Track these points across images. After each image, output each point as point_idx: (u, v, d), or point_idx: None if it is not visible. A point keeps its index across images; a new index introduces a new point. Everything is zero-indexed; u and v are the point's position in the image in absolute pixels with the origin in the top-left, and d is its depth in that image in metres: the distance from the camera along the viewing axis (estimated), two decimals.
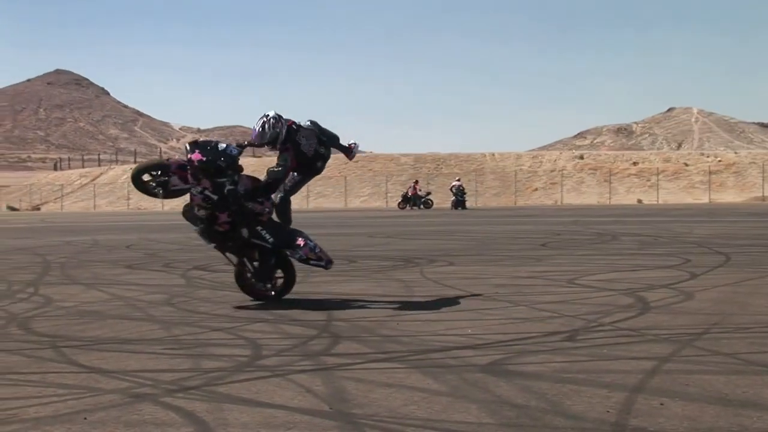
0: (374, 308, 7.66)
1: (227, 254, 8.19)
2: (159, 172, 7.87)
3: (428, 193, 55.17)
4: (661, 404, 4.06)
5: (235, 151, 7.82)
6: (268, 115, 8.15)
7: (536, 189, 68.20)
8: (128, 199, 72.46)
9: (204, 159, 7.64)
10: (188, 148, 7.86)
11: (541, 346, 5.63)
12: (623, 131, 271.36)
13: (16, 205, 77.32)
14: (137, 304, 8.26)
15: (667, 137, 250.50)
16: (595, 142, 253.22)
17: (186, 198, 8.06)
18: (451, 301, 7.99)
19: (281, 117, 8.22)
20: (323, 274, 10.60)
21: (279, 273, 8.16)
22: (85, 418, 3.96)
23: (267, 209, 8.11)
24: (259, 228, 7.93)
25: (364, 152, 75.68)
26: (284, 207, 8.40)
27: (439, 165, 75.72)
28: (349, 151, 8.94)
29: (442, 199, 56.55)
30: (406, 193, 54.71)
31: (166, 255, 14.79)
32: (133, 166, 7.18)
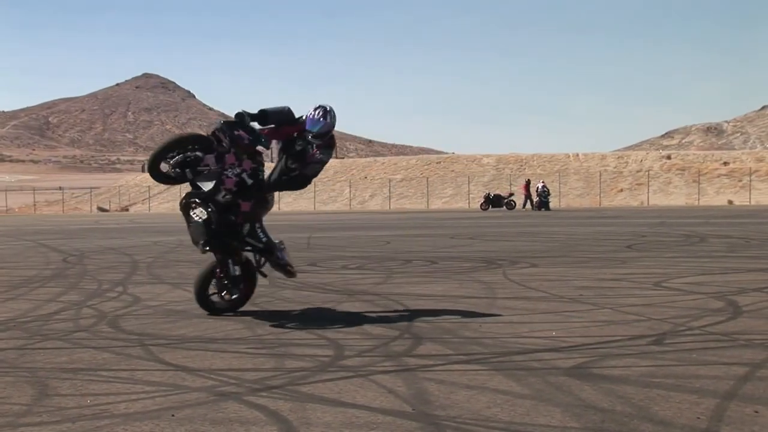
0: (456, 310, 7.61)
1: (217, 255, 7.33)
2: (177, 152, 6.98)
3: (511, 194, 54.83)
4: (756, 412, 3.91)
5: (262, 137, 7.13)
6: (327, 107, 7.38)
7: (621, 190, 66.99)
8: None
9: (251, 138, 7.02)
10: (229, 124, 7.05)
11: (627, 350, 5.50)
12: (713, 130, 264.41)
13: (106, 206, 79.69)
14: None
15: (760, 136, 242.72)
16: (683, 141, 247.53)
17: (182, 189, 7.47)
18: (534, 303, 7.89)
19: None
20: (404, 275, 10.60)
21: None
22: (173, 415, 4.04)
23: (271, 205, 7.54)
24: (257, 225, 7.31)
25: (446, 153, 75.39)
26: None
27: (521, 166, 75.09)
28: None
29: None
30: (489, 194, 54.45)
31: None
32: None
